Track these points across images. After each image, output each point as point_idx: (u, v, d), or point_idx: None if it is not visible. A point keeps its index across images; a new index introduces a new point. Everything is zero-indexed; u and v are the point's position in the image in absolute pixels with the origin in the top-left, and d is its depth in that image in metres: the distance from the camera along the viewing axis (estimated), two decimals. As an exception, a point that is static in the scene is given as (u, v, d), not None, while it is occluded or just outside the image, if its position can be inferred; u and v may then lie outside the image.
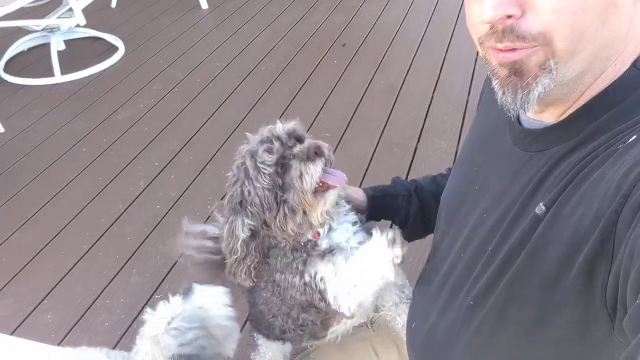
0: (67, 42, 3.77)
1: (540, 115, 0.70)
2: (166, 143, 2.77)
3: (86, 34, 3.77)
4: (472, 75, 3.13)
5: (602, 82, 0.62)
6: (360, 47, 3.56)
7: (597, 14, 0.57)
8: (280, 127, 0.94)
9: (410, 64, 3.32)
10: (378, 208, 1.10)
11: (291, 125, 0.95)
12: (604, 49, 0.60)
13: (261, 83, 3.23)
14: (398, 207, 1.09)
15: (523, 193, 0.68)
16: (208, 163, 2.61)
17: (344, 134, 2.73)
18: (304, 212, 0.91)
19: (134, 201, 2.42)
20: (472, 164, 0.87)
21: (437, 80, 3.12)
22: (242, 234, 0.93)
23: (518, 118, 0.75)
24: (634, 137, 0.56)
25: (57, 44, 3.50)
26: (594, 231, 0.54)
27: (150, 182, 2.52)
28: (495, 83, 0.65)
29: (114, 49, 3.67)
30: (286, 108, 2.98)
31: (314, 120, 2.85)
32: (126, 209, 2.37)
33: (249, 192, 0.91)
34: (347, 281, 0.93)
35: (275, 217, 0.91)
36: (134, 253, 2.16)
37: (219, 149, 2.70)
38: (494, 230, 0.71)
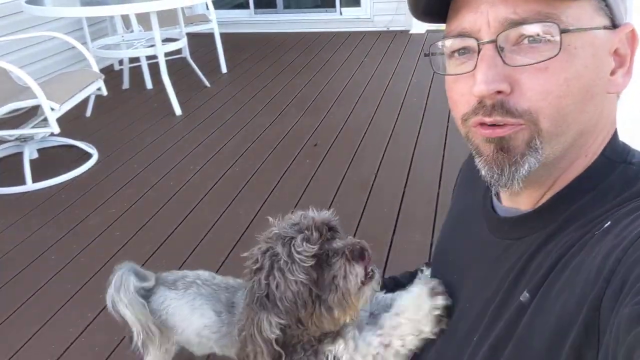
0: (41, 150, 3.79)
1: (515, 202, 0.72)
2: (139, 247, 2.72)
3: (60, 142, 3.81)
4: (442, 167, 3.23)
5: (574, 170, 0.65)
6: (331, 146, 3.67)
7: (578, 100, 0.60)
8: (317, 216, 0.86)
9: (381, 160, 3.41)
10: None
11: (327, 214, 0.88)
12: (581, 135, 0.63)
13: (235, 185, 3.26)
14: None
15: (505, 281, 0.67)
16: (182, 265, 2.56)
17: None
18: (340, 310, 0.82)
19: (104, 308, 2.31)
20: (449, 253, 0.87)
21: (408, 174, 3.20)
22: (272, 334, 0.81)
23: (492, 206, 0.77)
24: (609, 223, 0.58)
25: (29, 153, 3.51)
26: (578, 318, 0.54)
27: (122, 288, 2.43)
28: (479, 161, 0.66)
29: (88, 155, 3.70)
30: (260, 207, 2.99)
31: (289, 218, 2.85)
32: (95, 317, 2.27)
33: (278, 285, 0.80)
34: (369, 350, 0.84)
35: (312, 315, 0.81)
36: (103, 364, 2.04)
37: (192, 252, 2.66)
38: (477, 321, 0.70)
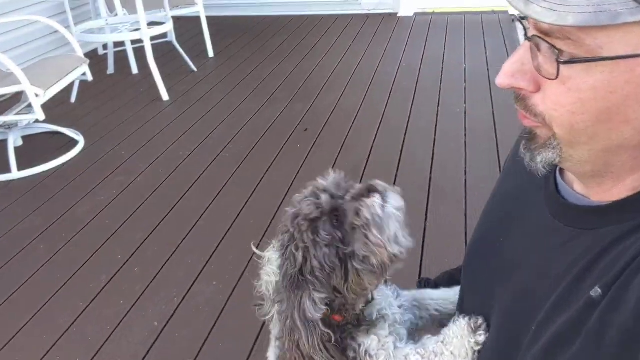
0: (26, 138, 3.71)
1: (585, 191, 0.70)
2: (129, 235, 2.69)
3: (45, 128, 3.74)
4: (433, 151, 3.22)
5: None
6: (322, 131, 3.64)
7: (596, 120, 0.58)
8: (324, 180, 0.82)
9: (372, 144, 3.39)
10: None
11: (336, 175, 0.84)
12: (625, 150, 0.61)
13: (225, 170, 3.22)
14: None
15: (571, 272, 0.65)
16: (173, 253, 2.53)
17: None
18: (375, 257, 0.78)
19: (95, 297, 2.29)
20: (498, 234, 0.84)
21: (400, 158, 3.19)
22: (317, 313, 0.77)
23: (557, 188, 0.74)
24: None
25: (14, 140, 3.44)
26: None
27: (113, 277, 2.41)
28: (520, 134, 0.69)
29: (74, 142, 3.63)
30: (251, 194, 2.96)
31: (280, 205, 2.83)
32: (87, 306, 2.24)
33: (305, 256, 0.77)
34: None
35: (346, 278, 0.78)
36: (96, 355, 2.01)
37: (184, 238, 2.63)
38: (536, 308, 0.68)
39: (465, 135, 3.42)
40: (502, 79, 0.61)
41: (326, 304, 0.79)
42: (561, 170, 0.75)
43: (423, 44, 5.34)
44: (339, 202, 0.80)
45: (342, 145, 3.42)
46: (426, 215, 2.64)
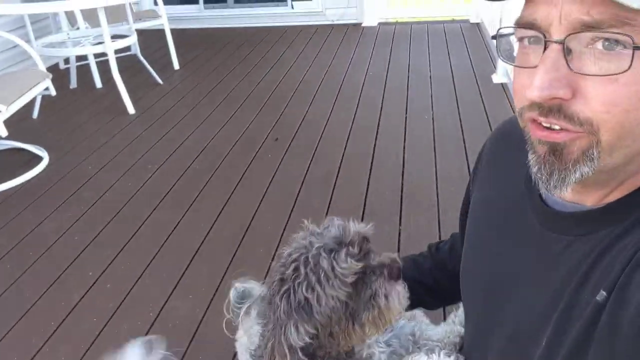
0: (-14, 156, 3.60)
1: (579, 198, 0.68)
2: (99, 251, 2.62)
3: (7, 145, 3.63)
4: (403, 158, 3.25)
5: None
6: (292, 140, 3.64)
7: None
8: (357, 228, 0.82)
9: (343, 153, 3.41)
10: None
11: (365, 227, 0.85)
12: None
13: (196, 183, 3.18)
14: None
15: (572, 280, 0.64)
16: (147, 268, 2.48)
17: (286, 225, 2.71)
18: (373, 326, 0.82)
19: (67, 316, 2.23)
20: (489, 252, 0.82)
21: (371, 166, 3.21)
22: (300, 342, 0.77)
23: (541, 198, 0.72)
24: None
25: (-26, 158, 3.32)
26: None
27: (85, 294, 2.34)
28: (531, 157, 0.63)
29: (38, 159, 3.53)
30: (223, 206, 2.93)
31: (255, 213, 2.82)
32: (59, 325, 2.17)
33: (318, 297, 0.76)
34: None
35: (345, 330, 0.79)
36: (70, 375, 1.95)
37: (156, 253, 2.58)
38: (543, 321, 0.66)
39: (434, 140, 3.47)
40: (538, 93, 0.56)
41: (310, 338, 0.78)
42: None
43: (388, 53, 5.41)
44: (366, 263, 0.80)
45: (314, 155, 3.43)
46: (400, 221, 2.66)
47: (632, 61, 0.52)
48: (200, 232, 2.71)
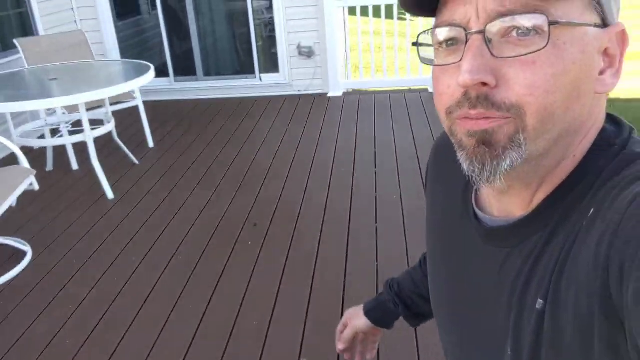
0: (-32, 253, 3.64)
1: (506, 208, 0.71)
2: (91, 355, 2.71)
3: (-11, 241, 3.69)
4: (376, 241, 3.46)
5: (563, 170, 0.65)
6: (270, 224, 3.82)
7: (565, 97, 0.59)
8: None
9: (320, 234, 3.60)
10: (379, 319, 1.23)
11: None
12: (567, 134, 0.62)
13: (180, 275, 3.31)
14: (391, 311, 1.21)
15: (517, 289, 0.67)
16: (140, 371, 2.58)
17: (270, 319, 2.85)
18: None
19: None
20: (444, 274, 0.86)
21: (347, 247, 3.41)
22: None
23: (476, 217, 0.76)
24: (592, 209, 0.60)
25: (-42, 258, 3.38)
26: (595, 309, 0.55)
27: (81, 403, 2.42)
28: (461, 155, 0.66)
29: (21, 253, 3.61)
30: (210, 298, 3.07)
31: (241, 306, 2.96)
32: None
33: None
34: None
35: None
36: None
37: (149, 354, 2.68)
38: (505, 334, 0.70)
39: (404, 220, 3.70)
40: (469, 76, 0.58)
41: None
42: (476, 200, 0.78)
43: (354, 125, 5.71)
44: None
45: (292, 238, 3.61)
46: (376, 290, 2.84)
47: (548, 41, 0.57)
48: (189, 329, 2.82)
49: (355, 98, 6.61)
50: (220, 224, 3.90)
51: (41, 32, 6.05)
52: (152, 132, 5.56)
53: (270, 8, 6.66)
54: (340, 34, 6.57)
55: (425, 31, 0.67)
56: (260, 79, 6.93)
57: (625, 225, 0.53)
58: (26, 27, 6.01)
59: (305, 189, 4.33)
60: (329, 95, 6.69)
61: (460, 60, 0.60)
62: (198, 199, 4.31)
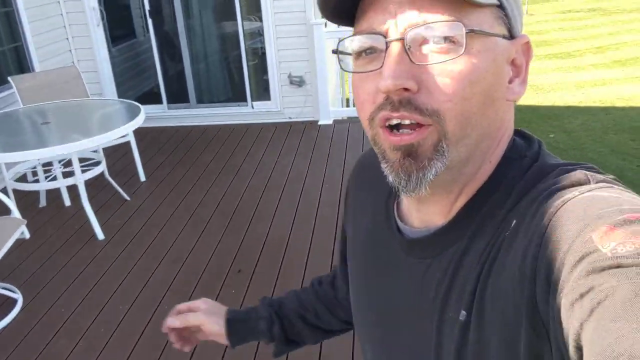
0: (-39, 301, 3.74)
1: (426, 218, 0.72)
2: (77, 412, 2.81)
3: (-19, 289, 3.79)
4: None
5: (480, 178, 0.67)
6: (254, 270, 3.91)
7: (480, 103, 0.61)
8: None
9: (302, 282, 3.70)
10: (237, 334, 1.12)
11: None
12: (483, 139, 0.65)
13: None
14: (259, 331, 1.11)
15: (437, 300, 0.68)
16: None
17: (251, 375, 2.96)
18: None
19: None
20: (365, 287, 0.86)
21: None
22: None
23: (398, 229, 0.77)
24: (515, 221, 0.61)
25: (-49, 308, 3.48)
26: (522, 320, 0.55)
27: None
28: (385, 166, 0.66)
29: (12, 301, 3.71)
30: (194, 349, 3.16)
31: (225, 353, 3.06)
32: None
33: None
34: None
35: None
36: None
37: (132, 412, 2.79)
38: (429, 345, 0.70)
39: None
40: (391, 81, 0.59)
41: None
42: (398, 212, 0.78)
43: (343, 156, 5.80)
44: None
45: (275, 285, 3.71)
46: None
47: (464, 49, 0.60)
48: (171, 386, 2.93)
49: (345, 126, 6.71)
50: (206, 268, 4.00)
51: (36, 63, 6.16)
52: (144, 165, 5.66)
53: (261, 38, 6.77)
54: (331, 64, 6.67)
55: (344, 38, 0.67)
56: (252, 107, 7.03)
57: (548, 237, 0.54)
58: (21, 59, 6.13)
59: (291, 229, 4.43)
60: (319, 122, 6.79)
61: (381, 66, 0.62)
62: (186, 240, 4.40)
